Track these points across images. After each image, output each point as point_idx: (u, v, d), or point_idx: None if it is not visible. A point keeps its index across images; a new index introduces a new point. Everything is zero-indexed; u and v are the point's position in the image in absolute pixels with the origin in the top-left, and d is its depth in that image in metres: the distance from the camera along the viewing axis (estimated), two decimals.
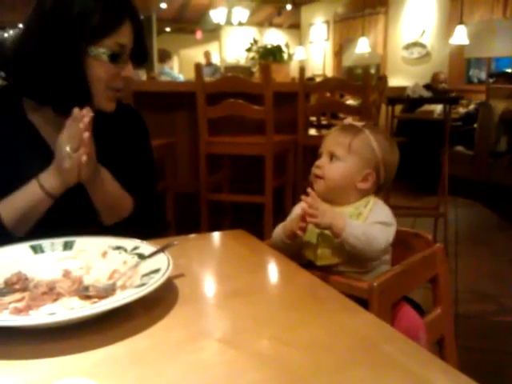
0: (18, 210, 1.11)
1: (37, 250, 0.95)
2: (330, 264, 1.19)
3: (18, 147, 1.19)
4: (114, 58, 1.16)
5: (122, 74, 1.20)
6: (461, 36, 6.65)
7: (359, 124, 1.26)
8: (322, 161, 1.23)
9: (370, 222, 1.16)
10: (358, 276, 1.17)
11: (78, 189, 1.15)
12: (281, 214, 2.99)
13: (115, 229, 1.17)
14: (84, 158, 1.06)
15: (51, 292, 0.81)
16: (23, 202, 1.11)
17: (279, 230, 1.23)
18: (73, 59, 1.13)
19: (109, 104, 1.22)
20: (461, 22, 6.74)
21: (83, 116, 1.05)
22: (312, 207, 1.10)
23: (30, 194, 1.12)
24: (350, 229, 1.10)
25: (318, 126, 4.65)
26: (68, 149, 1.07)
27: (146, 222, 1.31)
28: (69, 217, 1.18)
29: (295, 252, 1.20)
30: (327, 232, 1.15)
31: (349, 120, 1.30)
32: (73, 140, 1.06)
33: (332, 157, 1.22)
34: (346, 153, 1.21)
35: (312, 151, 3.41)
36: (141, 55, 1.24)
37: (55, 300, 0.80)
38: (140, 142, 1.38)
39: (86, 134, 1.05)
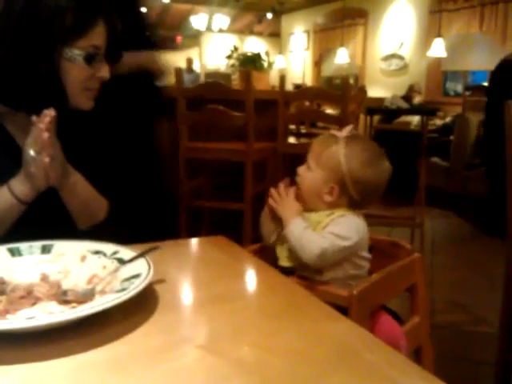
0: None
1: (14, 253, 0.93)
2: (288, 266, 1.22)
3: None
4: (89, 59, 1.15)
5: (97, 75, 1.19)
6: (438, 49, 6.76)
7: (340, 134, 1.24)
8: (301, 168, 1.27)
9: (326, 231, 1.17)
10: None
11: (52, 193, 1.14)
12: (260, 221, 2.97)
13: (92, 233, 1.16)
14: (46, 159, 1.04)
15: (29, 296, 0.80)
16: None
17: (264, 214, 1.31)
18: (47, 61, 1.12)
19: (85, 103, 1.21)
20: (438, 35, 6.86)
21: (44, 116, 1.04)
22: (280, 194, 1.22)
23: (2, 200, 1.10)
24: (293, 226, 1.17)
25: (297, 135, 4.67)
26: (32, 152, 1.05)
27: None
28: (44, 221, 1.16)
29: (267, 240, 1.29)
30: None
31: (334, 131, 1.28)
32: (36, 143, 1.05)
33: (306, 165, 1.26)
34: (315, 164, 1.24)
35: (291, 159, 3.44)
36: (115, 54, 1.23)
37: (33, 304, 0.79)
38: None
39: (46, 135, 1.03)
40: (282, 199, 1.22)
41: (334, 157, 1.21)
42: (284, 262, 1.23)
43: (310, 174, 1.24)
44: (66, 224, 1.20)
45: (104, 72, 1.20)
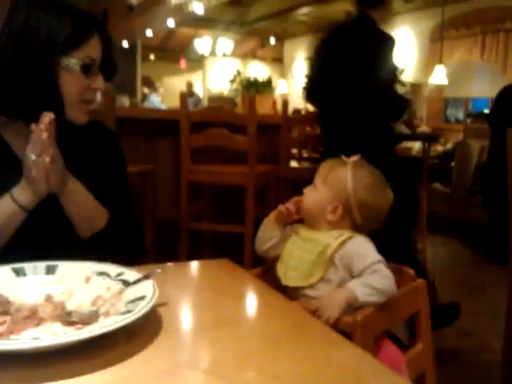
0: None
1: (19, 273, 0.93)
2: (295, 286, 1.22)
3: None
4: (85, 69, 1.19)
5: (93, 86, 1.22)
6: (440, 76, 6.81)
7: (348, 159, 1.29)
8: (307, 188, 1.30)
9: (364, 266, 1.17)
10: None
11: (53, 202, 1.15)
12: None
13: (91, 243, 1.20)
14: (47, 159, 1.06)
15: (33, 316, 0.79)
16: None
17: (268, 220, 1.32)
18: (46, 70, 1.15)
19: (81, 116, 1.24)
20: (440, 62, 6.92)
21: (44, 117, 1.06)
22: (316, 311, 1.09)
23: (3, 208, 1.12)
24: (360, 294, 1.11)
25: (300, 159, 4.68)
26: (33, 156, 1.07)
27: (122, 244, 1.30)
28: (44, 231, 1.18)
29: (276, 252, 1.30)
30: (304, 257, 1.22)
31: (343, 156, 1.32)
32: (36, 147, 1.06)
33: (313, 186, 1.29)
34: (321, 183, 1.28)
35: (293, 183, 3.44)
36: (110, 69, 1.27)
37: (37, 325, 0.78)
38: (114, 161, 1.38)
39: (45, 135, 1.04)
40: (320, 307, 1.10)
41: (340, 177, 1.26)
42: (288, 282, 1.23)
43: (315, 193, 1.28)
44: (66, 235, 1.20)
45: (99, 83, 1.23)
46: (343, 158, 1.31)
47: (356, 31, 2.68)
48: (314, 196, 1.28)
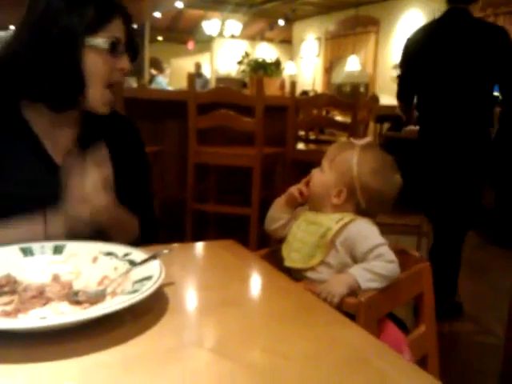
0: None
1: (26, 252, 0.94)
2: (296, 267, 1.24)
3: (8, 142, 1.18)
4: (112, 47, 1.16)
5: (119, 66, 1.20)
6: None
7: (357, 142, 1.28)
8: (315, 169, 1.30)
9: (366, 249, 1.18)
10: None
11: None
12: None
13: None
14: (106, 171, 1.08)
15: (41, 296, 0.81)
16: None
17: (279, 200, 1.33)
18: (69, 52, 1.13)
19: (103, 106, 1.21)
20: None
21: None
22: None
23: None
24: (361, 280, 1.12)
25: (306, 141, 4.67)
26: (91, 174, 1.07)
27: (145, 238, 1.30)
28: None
29: (283, 232, 1.31)
30: (307, 239, 1.23)
31: (352, 139, 1.33)
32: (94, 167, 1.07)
33: (321, 168, 1.29)
34: (328, 166, 1.28)
35: (300, 165, 3.44)
36: (133, 50, 1.25)
37: (44, 304, 0.80)
38: (136, 156, 1.38)
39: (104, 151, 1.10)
40: (323, 290, 1.11)
41: (346, 160, 1.25)
42: (289, 263, 1.25)
43: (321, 175, 1.28)
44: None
45: (125, 63, 1.21)
46: (352, 140, 1.30)
47: (460, 25, 2.76)
48: (320, 178, 1.28)
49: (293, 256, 1.25)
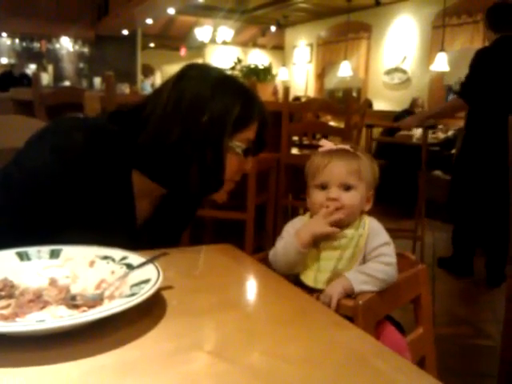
0: None
1: (23, 257, 0.93)
2: (313, 287, 1.19)
3: (107, 190, 1.16)
4: (247, 152, 1.19)
5: (244, 168, 1.22)
6: (441, 63, 6.80)
7: (350, 148, 1.25)
8: (335, 193, 1.19)
9: (372, 247, 1.18)
10: None
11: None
12: (262, 231, 2.98)
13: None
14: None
15: (38, 300, 0.80)
16: None
17: (288, 244, 1.19)
18: (213, 147, 1.14)
19: (223, 195, 1.24)
20: (442, 50, 6.90)
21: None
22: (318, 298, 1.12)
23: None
24: (355, 283, 1.12)
25: (300, 146, 4.68)
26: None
27: None
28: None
29: (296, 271, 1.21)
30: (336, 255, 1.18)
31: (329, 143, 1.27)
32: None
33: (345, 187, 1.20)
34: (357, 181, 1.21)
35: (294, 170, 3.44)
36: (259, 148, 1.26)
37: (42, 308, 0.79)
38: None
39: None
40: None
41: (369, 167, 1.24)
42: (321, 285, 1.17)
43: (354, 193, 1.20)
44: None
45: (249, 165, 1.23)
46: (343, 147, 1.25)
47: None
48: (356, 196, 1.20)
49: (320, 277, 1.18)
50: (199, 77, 1.16)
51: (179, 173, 1.17)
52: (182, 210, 1.36)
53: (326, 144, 1.27)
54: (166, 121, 1.14)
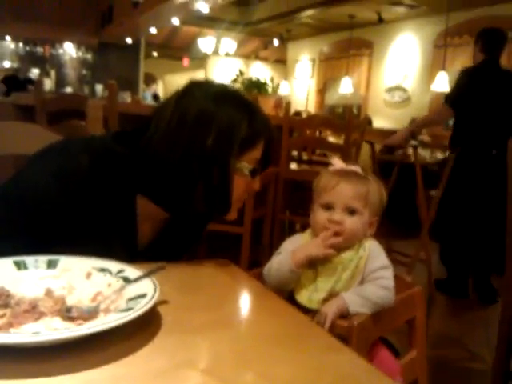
0: None
1: (20, 266, 0.93)
2: (308, 307, 1.18)
3: (110, 211, 1.14)
4: (254, 173, 1.17)
5: (252, 187, 1.20)
6: (442, 82, 6.83)
7: (361, 171, 1.24)
8: (339, 215, 1.18)
9: (370, 270, 1.17)
10: None
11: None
12: (258, 246, 2.98)
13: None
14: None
15: (33, 310, 0.80)
16: None
17: (282, 262, 1.18)
18: (220, 167, 1.11)
19: (233, 213, 1.22)
20: (443, 69, 6.93)
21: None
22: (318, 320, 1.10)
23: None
24: (352, 305, 1.11)
25: (299, 161, 4.69)
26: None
27: None
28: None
29: (287, 289, 1.20)
30: (334, 277, 1.17)
31: (340, 163, 1.26)
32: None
33: (349, 210, 1.19)
34: (363, 206, 1.19)
35: (292, 185, 3.45)
36: (265, 163, 1.24)
37: (37, 319, 0.79)
38: None
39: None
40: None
41: (377, 192, 1.22)
42: (315, 305, 1.16)
43: (358, 217, 1.19)
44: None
45: (257, 184, 1.21)
46: (353, 169, 1.24)
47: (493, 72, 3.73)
48: (360, 222, 1.19)
49: (316, 297, 1.17)
50: (202, 96, 1.13)
51: (184, 197, 1.14)
52: (187, 234, 1.34)
53: (337, 163, 1.25)
54: (170, 142, 1.10)
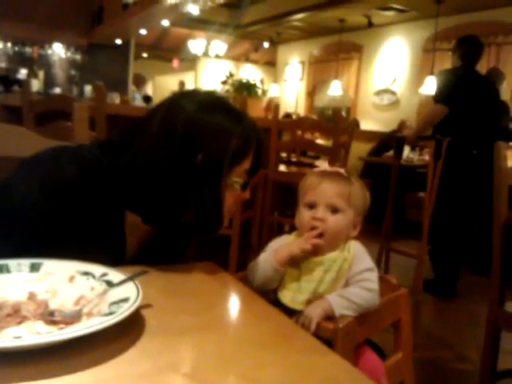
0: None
1: (3, 269, 0.92)
2: (292, 308, 1.18)
3: (99, 219, 1.11)
4: (245, 186, 1.16)
5: (242, 197, 1.19)
6: (430, 86, 6.87)
7: (344, 172, 1.25)
8: (321, 213, 1.19)
9: (355, 272, 1.18)
10: None
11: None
12: (246, 248, 2.98)
13: None
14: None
15: (16, 314, 0.79)
16: None
17: (266, 260, 1.19)
18: (210, 184, 1.09)
19: (225, 221, 1.19)
20: (431, 73, 6.98)
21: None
22: (297, 320, 1.10)
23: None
24: (336, 307, 1.11)
25: (288, 163, 4.69)
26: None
27: None
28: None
29: (270, 289, 1.20)
30: (317, 278, 1.17)
31: (325, 164, 1.28)
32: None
33: (332, 209, 1.20)
34: (346, 205, 1.20)
35: (281, 186, 3.45)
36: (255, 169, 1.21)
37: (20, 323, 0.78)
38: None
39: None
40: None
41: (360, 192, 1.23)
42: (298, 305, 1.16)
43: (340, 216, 1.20)
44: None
45: (247, 194, 1.20)
46: (337, 170, 1.25)
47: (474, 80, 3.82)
48: (342, 221, 1.20)
49: (299, 298, 1.17)
50: (190, 108, 1.10)
51: (172, 217, 1.12)
52: (176, 243, 1.31)
53: (322, 165, 1.28)
54: (157, 161, 1.08)
